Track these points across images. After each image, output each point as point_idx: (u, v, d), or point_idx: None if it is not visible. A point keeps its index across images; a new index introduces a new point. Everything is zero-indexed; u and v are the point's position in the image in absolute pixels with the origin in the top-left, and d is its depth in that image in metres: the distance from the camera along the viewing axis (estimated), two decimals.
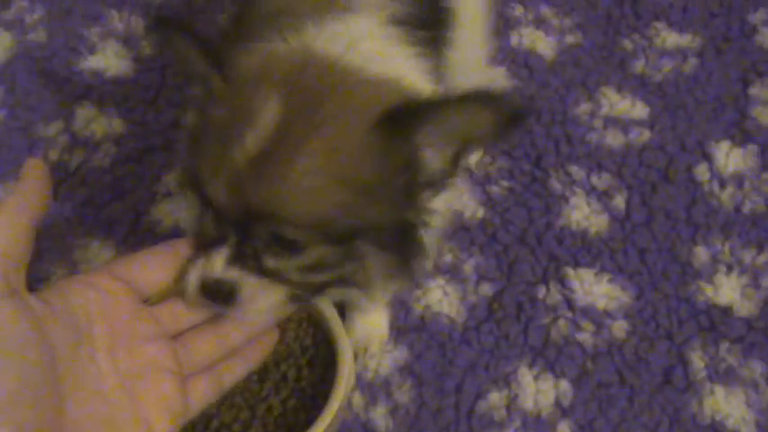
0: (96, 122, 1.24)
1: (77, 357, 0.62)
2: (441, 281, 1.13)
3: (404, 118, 0.64)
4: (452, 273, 1.13)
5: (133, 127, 1.24)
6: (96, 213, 1.16)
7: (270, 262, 0.67)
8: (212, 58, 0.66)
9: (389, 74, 0.69)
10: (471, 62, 1.02)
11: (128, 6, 1.41)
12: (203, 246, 0.69)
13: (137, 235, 1.14)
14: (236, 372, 0.75)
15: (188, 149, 0.70)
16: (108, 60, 1.32)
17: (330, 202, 0.64)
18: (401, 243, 0.72)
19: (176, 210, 1.15)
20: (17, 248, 0.61)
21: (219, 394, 0.74)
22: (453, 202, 1.13)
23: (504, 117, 0.62)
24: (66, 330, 0.61)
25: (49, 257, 1.11)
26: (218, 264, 0.67)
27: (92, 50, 1.33)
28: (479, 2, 1.05)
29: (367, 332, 1.08)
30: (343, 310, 1.08)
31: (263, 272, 0.68)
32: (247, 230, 0.66)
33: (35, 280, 1.03)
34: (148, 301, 0.70)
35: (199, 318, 0.72)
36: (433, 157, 0.67)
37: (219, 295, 0.68)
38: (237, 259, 0.67)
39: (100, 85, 1.28)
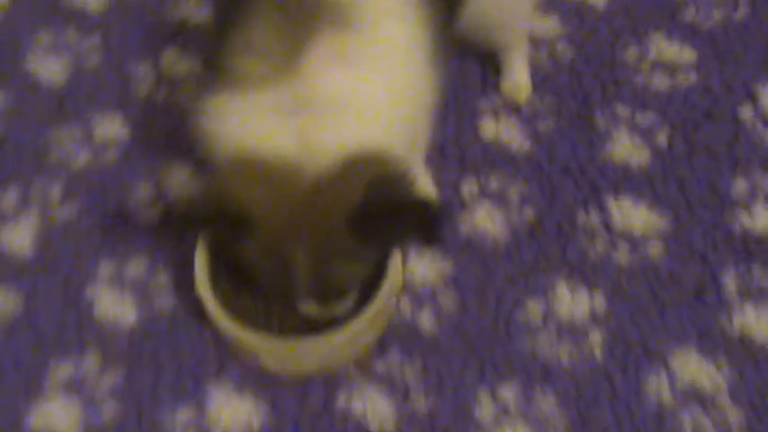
0: (180, 64, 1.37)
1: None
2: (486, 204, 1.21)
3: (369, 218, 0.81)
4: (498, 197, 1.21)
5: None
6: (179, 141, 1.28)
7: None
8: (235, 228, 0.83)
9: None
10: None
11: None
12: None
13: None
14: None
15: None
16: (191, 10, 1.45)
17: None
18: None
19: None
20: None
21: None
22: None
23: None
24: None
25: (134, 181, 1.24)
26: None
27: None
28: None
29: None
30: None
31: None
32: None
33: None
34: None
35: None
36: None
37: None
38: None
39: (184, 32, 1.42)
